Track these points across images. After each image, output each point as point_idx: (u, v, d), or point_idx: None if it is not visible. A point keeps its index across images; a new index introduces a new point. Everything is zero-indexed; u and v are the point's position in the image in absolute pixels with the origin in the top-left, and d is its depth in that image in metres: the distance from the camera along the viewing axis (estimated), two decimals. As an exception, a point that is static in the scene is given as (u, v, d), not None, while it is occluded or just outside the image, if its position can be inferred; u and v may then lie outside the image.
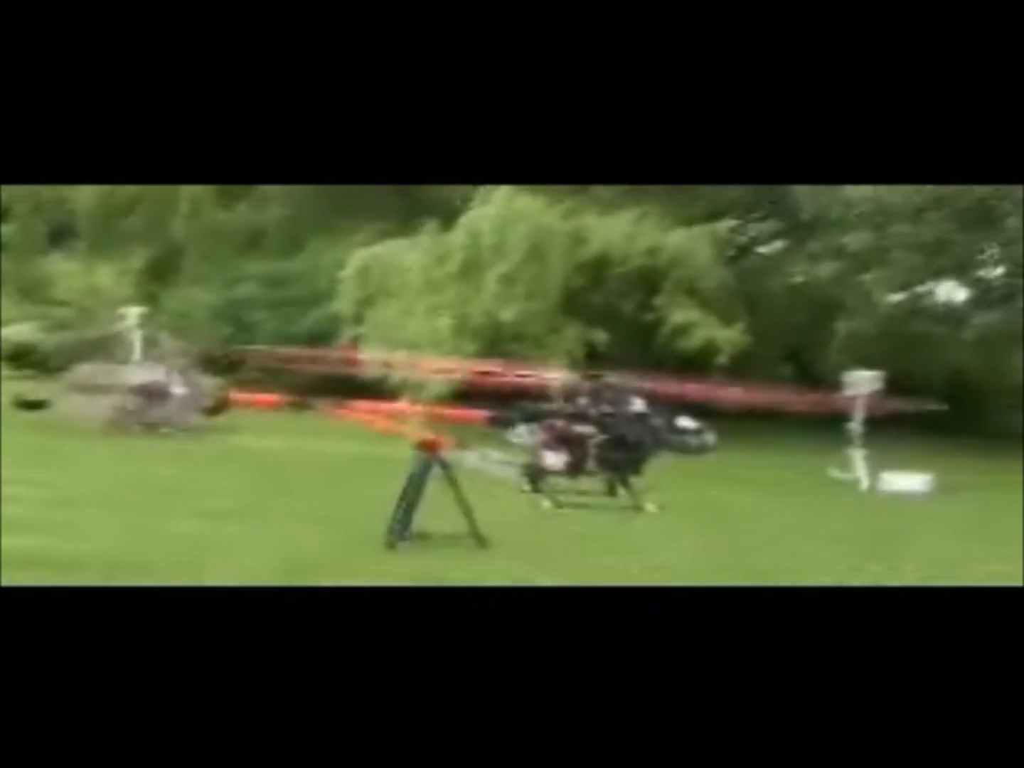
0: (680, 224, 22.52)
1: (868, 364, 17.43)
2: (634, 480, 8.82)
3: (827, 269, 21.72)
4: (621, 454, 8.53)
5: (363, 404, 9.65)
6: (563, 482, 8.80)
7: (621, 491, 8.78)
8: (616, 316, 22.43)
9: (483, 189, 20.99)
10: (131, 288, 26.36)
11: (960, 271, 21.63)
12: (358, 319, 21.33)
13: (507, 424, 8.88)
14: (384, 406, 9.77)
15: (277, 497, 12.26)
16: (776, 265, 23.98)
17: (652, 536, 10.73)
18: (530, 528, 10.81)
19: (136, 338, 18.71)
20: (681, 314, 21.58)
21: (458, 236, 21.10)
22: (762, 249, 24.79)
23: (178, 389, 9.12)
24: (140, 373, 17.52)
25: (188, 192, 28.51)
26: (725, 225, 22.84)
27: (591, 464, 8.64)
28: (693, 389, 9.87)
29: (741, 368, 19.72)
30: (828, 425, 17.11)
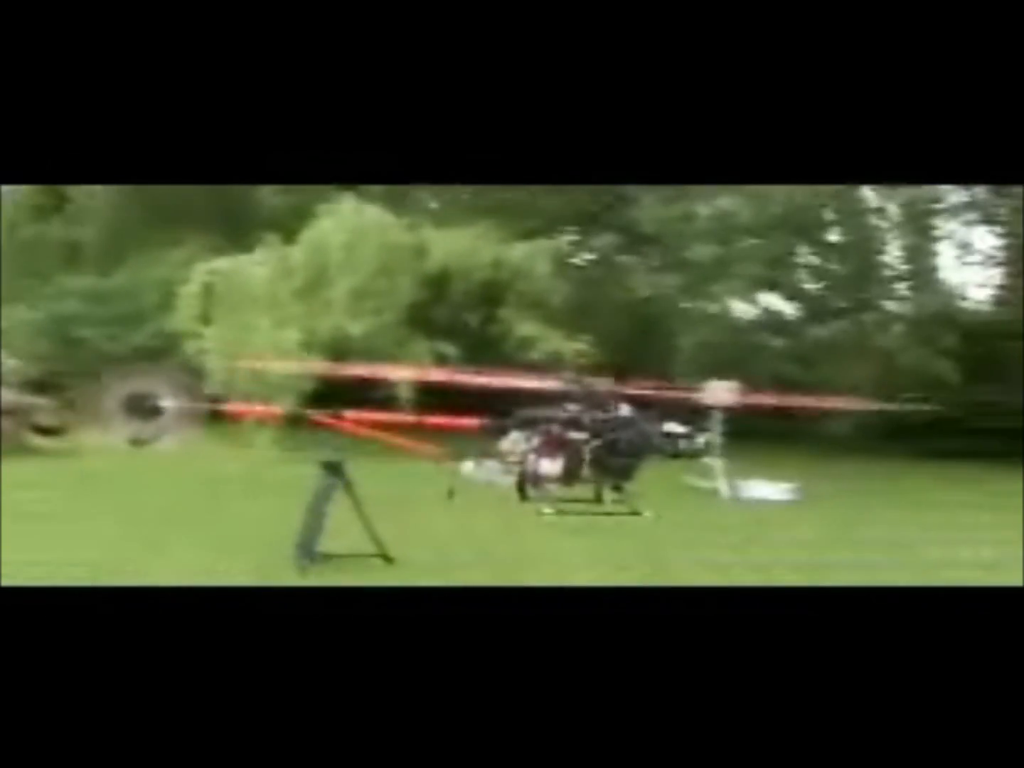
0: (519, 238, 22.62)
1: (711, 375, 17.68)
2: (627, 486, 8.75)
3: (670, 281, 22.11)
4: (615, 460, 8.42)
5: (354, 414, 9.31)
6: (553, 489, 8.67)
7: (607, 497, 8.69)
8: (462, 329, 22.39)
9: (329, 202, 20.78)
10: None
11: (796, 284, 22.27)
12: (197, 334, 20.73)
13: (500, 431, 8.67)
14: (376, 416, 9.44)
15: (165, 524, 11.85)
16: (618, 277, 24.29)
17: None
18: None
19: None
20: (526, 327, 21.66)
21: (303, 250, 20.75)
22: (604, 262, 25.04)
23: (169, 402, 8.56)
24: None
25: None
26: (567, 238, 23.01)
27: (585, 470, 8.50)
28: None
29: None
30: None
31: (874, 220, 21.72)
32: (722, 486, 16.62)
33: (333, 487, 9.92)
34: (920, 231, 21.52)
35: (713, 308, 22.09)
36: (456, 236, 22.13)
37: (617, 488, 8.50)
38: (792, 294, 22.60)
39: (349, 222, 20.55)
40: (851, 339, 20.67)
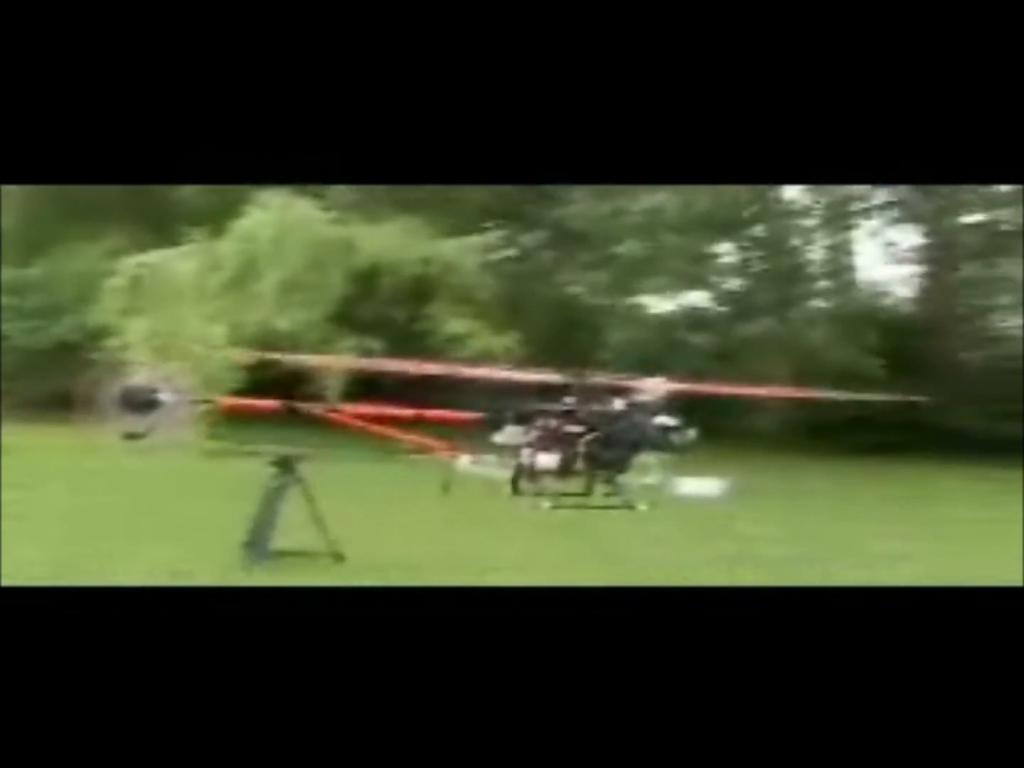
0: (445, 233, 22.60)
1: (638, 371, 17.73)
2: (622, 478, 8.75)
3: (598, 278, 22.23)
4: (610, 453, 8.42)
5: (354, 408, 9.21)
6: (550, 482, 8.65)
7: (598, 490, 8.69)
8: (389, 325, 22.31)
9: (260, 195, 20.58)
10: None
11: (723, 282, 22.50)
12: (121, 328, 20.44)
13: (498, 425, 8.61)
14: (374, 409, 9.34)
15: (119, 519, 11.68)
16: (546, 274, 24.34)
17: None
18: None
19: None
20: (455, 323, 21.69)
21: (232, 243, 20.56)
22: (533, 258, 25.08)
23: (167, 396, 8.35)
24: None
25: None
26: (496, 235, 23.03)
27: (580, 463, 8.49)
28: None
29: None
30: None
31: (800, 218, 22.03)
32: (658, 481, 16.62)
33: (285, 485, 9.81)
34: (845, 229, 21.89)
35: (641, 304, 22.28)
36: (385, 231, 22.10)
37: (610, 481, 8.51)
38: (719, 291, 22.83)
39: (279, 216, 20.42)
40: (778, 336, 20.94)
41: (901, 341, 22.22)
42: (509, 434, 8.52)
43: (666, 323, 22.55)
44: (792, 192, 22.12)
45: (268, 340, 19.63)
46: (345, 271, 21.27)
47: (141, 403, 8.21)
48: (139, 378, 8.55)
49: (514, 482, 8.48)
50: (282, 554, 9.59)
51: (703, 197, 20.13)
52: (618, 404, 8.49)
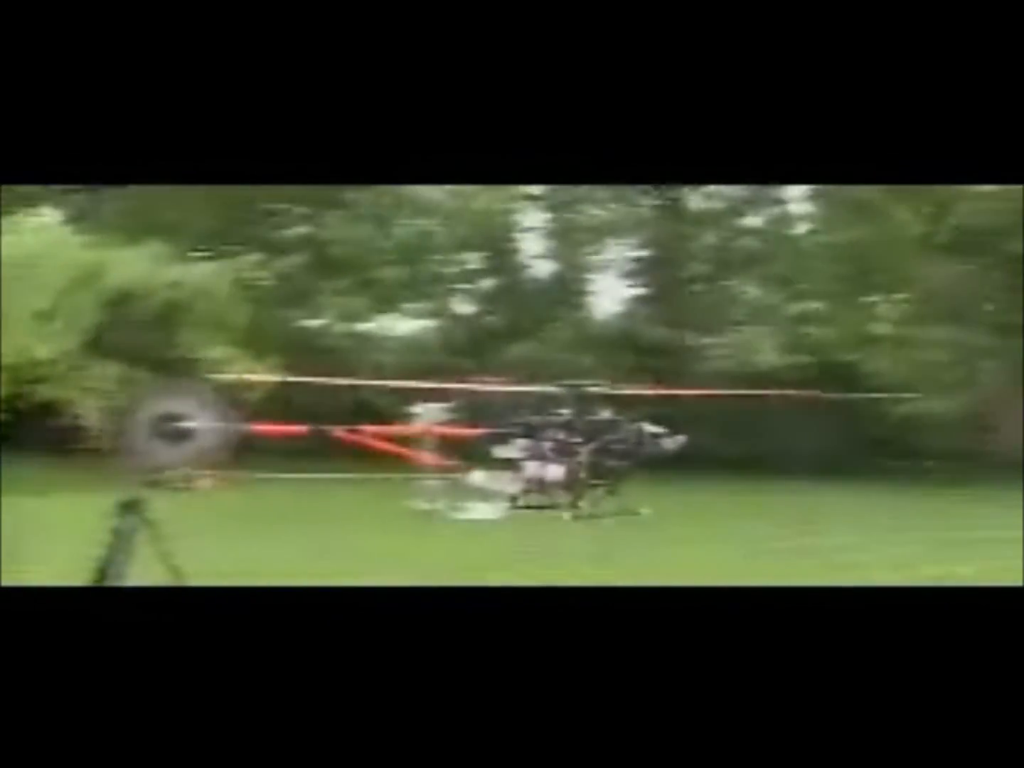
0: (183, 258, 22.18)
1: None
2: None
3: (356, 303, 22.25)
4: (613, 462, 8.45)
5: (372, 428, 8.88)
6: (558, 494, 8.61)
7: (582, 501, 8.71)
8: (146, 351, 21.64)
9: (9, 220, 19.63)
10: None
11: (485, 304, 22.89)
12: None
13: (505, 439, 8.51)
14: (392, 428, 9.04)
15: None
16: (301, 298, 24.08)
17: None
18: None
19: None
20: (213, 349, 21.26)
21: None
22: (287, 283, 24.77)
23: (202, 424, 7.58)
24: None
25: None
26: (250, 259, 22.67)
27: (583, 474, 8.48)
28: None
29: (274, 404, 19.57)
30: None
31: (549, 241, 22.69)
32: (444, 507, 16.75)
33: (133, 528, 9.54)
34: (590, 253, 22.67)
35: (396, 327, 22.45)
36: (135, 256, 21.41)
37: (612, 491, 8.53)
38: (480, 313, 23.22)
39: (32, 240, 19.52)
40: (539, 359, 21.43)
41: (642, 360, 22.99)
42: (509, 448, 8.49)
43: (423, 346, 22.74)
44: (540, 218, 22.73)
45: (25, 372, 18.86)
46: (98, 296, 20.52)
47: (173, 433, 7.71)
48: (169, 404, 8.00)
49: (513, 496, 8.48)
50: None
51: (464, 220, 20.52)
52: (607, 413, 8.57)
